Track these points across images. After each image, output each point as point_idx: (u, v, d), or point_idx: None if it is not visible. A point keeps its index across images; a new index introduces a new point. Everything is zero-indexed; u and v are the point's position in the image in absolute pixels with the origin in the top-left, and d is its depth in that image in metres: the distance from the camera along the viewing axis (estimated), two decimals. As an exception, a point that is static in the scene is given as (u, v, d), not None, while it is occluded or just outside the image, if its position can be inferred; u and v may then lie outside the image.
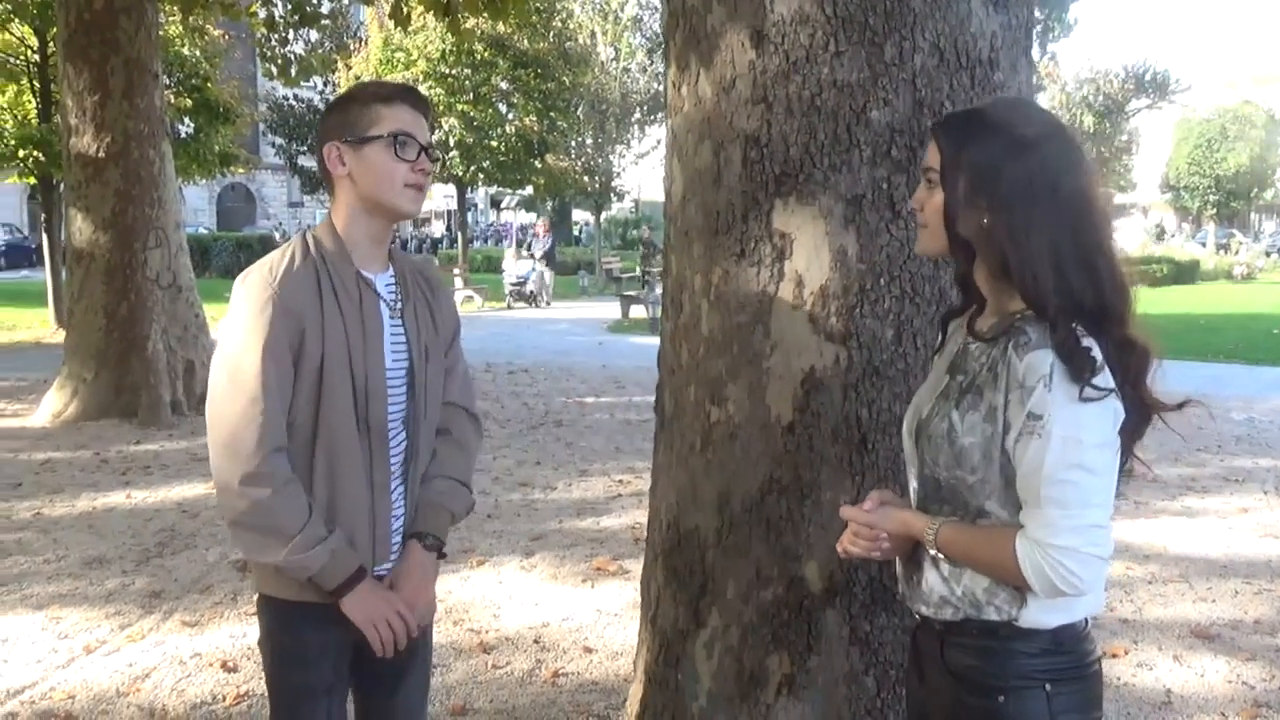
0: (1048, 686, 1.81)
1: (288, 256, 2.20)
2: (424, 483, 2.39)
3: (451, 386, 2.46)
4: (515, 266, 25.88)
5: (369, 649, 2.27)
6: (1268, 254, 44.56)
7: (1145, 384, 1.79)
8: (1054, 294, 1.72)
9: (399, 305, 2.31)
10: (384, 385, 2.24)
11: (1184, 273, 32.92)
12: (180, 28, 17.13)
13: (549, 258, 27.54)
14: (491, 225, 61.64)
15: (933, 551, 1.86)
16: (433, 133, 2.33)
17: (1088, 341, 1.70)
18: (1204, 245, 44.18)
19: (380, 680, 2.42)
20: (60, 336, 13.00)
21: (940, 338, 2.06)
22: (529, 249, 27.98)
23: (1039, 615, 1.80)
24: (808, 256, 2.68)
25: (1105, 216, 1.83)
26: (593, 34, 31.90)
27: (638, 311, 21.07)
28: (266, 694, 2.41)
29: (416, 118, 2.24)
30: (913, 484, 1.98)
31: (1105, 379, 1.69)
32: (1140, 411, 1.80)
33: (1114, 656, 4.55)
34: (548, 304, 25.62)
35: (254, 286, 2.15)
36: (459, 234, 35.95)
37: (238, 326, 2.14)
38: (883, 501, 1.99)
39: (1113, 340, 1.74)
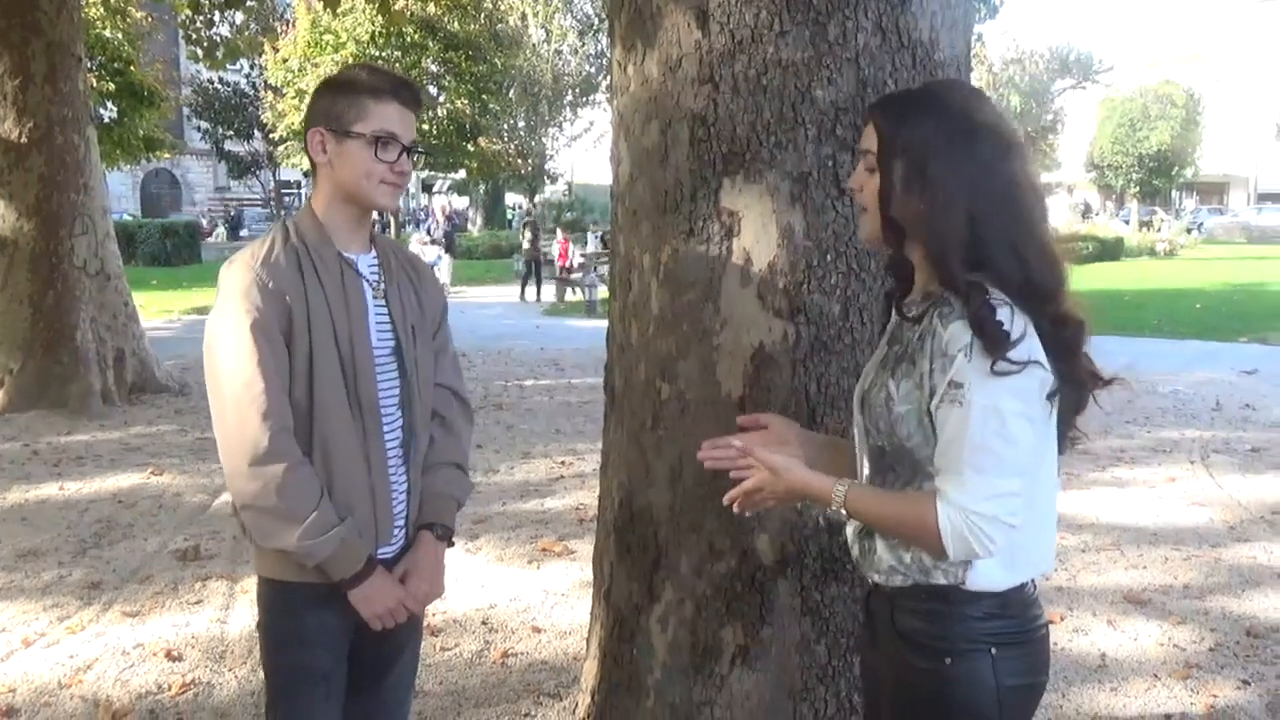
0: (993, 650, 1.86)
1: (269, 242, 2.25)
2: (426, 471, 2.42)
3: (442, 368, 2.50)
4: (422, 253, 24.73)
5: (365, 633, 2.31)
6: (1189, 230, 45.49)
7: (1078, 358, 1.84)
8: (963, 266, 1.76)
9: (382, 286, 2.34)
10: (371, 362, 2.27)
11: (1108, 250, 33.51)
12: (102, 10, 16.75)
13: (448, 243, 26.32)
14: (424, 209, 60.96)
15: (841, 512, 1.90)
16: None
17: (1002, 314, 1.73)
18: (1128, 223, 45.02)
19: (373, 666, 2.44)
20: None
21: (888, 315, 2.11)
22: (429, 232, 26.79)
23: (986, 577, 1.85)
24: (755, 234, 2.70)
25: (1038, 199, 1.87)
26: (524, 16, 31.71)
27: (544, 292, 20.83)
28: (264, 678, 2.44)
29: (404, 115, 2.26)
30: (863, 454, 2.02)
31: (1023, 351, 1.73)
32: (1075, 385, 1.86)
33: (1050, 622, 4.66)
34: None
35: (238, 272, 2.19)
36: (390, 218, 35.58)
37: (227, 312, 2.16)
38: (784, 445, 2.11)
39: (1046, 316, 1.79)
